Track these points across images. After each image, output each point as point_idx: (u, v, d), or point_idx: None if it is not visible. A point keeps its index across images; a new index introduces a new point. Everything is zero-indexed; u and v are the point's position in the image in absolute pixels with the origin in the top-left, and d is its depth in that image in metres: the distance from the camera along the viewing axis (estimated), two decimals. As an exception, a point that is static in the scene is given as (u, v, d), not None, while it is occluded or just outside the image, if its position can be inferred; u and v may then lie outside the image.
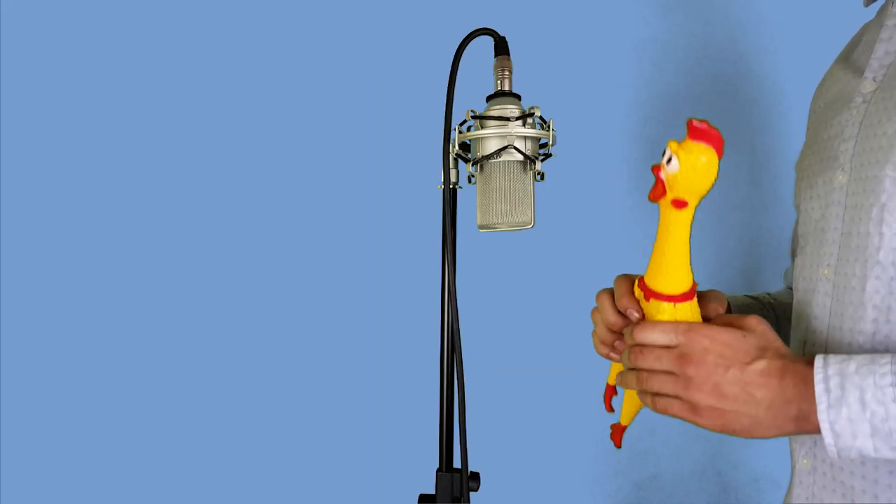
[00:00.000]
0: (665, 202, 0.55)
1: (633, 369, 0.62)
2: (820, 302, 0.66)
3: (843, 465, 0.62)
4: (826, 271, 0.65)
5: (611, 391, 0.75)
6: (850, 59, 0.72)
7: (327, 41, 1.24)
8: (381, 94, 1.24)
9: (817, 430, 0.53)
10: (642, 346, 0.60)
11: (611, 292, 0.67)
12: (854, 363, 0.53)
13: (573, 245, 1.23)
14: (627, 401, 0.75)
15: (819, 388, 0.53)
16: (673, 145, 0.53)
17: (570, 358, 1.23)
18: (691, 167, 0.52)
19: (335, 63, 1.24)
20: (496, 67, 0.77)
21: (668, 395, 0.59)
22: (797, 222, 0.76)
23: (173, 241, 1.23)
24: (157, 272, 1.23)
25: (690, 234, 0.56)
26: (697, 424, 0.57)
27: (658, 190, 0.54)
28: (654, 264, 0.60)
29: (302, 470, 1.24)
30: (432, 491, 0.77)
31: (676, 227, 0.56)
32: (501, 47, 0.77)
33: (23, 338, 1.22)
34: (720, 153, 0.52)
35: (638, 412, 0.75)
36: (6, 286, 1.22)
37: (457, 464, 0.77)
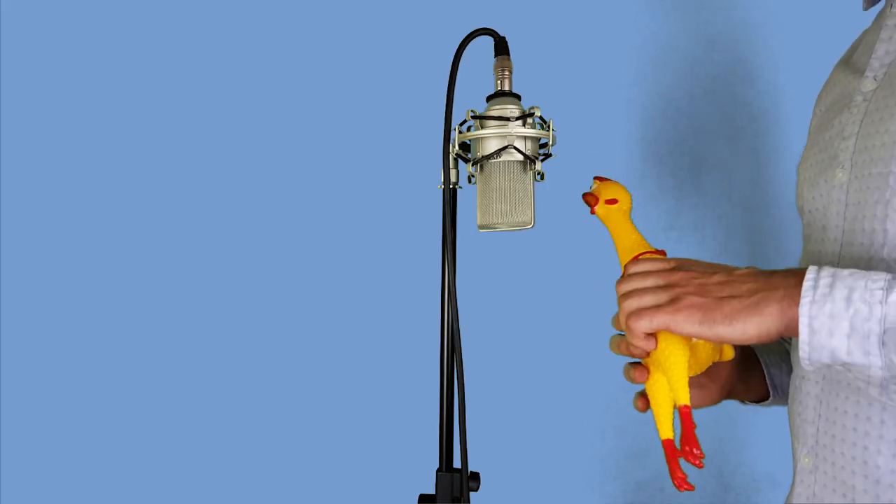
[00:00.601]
0: (601, 207, 0.73)
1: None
2: None
3: (844, 465, 0.61)
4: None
5: (673, 451, 0.64)
6: (851, 61, 0.72)
7: (327, 41, 1.24)
8: (381, 94, 1.24)
9: (797, 324, 0.52)
10: (632, 273, 0.62)
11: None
12: (849, 271, 0.52)
13: (573, 245, 1.22)
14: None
15: (807, 284, 0.52)
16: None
17: (571, 358, 1.23)
18: (605, 182, 0.74)
19: (335, 63, 1.24)
20: (496, 67, 0.77)
21: (646, 309, 0.58)
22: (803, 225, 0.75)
23: (173, 241, 1.23)
24: (157, 272, 1.23)
25: (636, 228, 0.72)
26: (676, 329, 0.56)
27: (592, 202, 0.74)
28: (621, 252, 0.71)
29: (302, 470, 1.24)
30: (432, 491, 0.77)
31: (619, 218, 0.73)
32: (501, 47, 0.77)
33: (23, 338, 1.22)
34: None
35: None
36: (6, 286, 1.22)
37: (457, 464, 0.77)
